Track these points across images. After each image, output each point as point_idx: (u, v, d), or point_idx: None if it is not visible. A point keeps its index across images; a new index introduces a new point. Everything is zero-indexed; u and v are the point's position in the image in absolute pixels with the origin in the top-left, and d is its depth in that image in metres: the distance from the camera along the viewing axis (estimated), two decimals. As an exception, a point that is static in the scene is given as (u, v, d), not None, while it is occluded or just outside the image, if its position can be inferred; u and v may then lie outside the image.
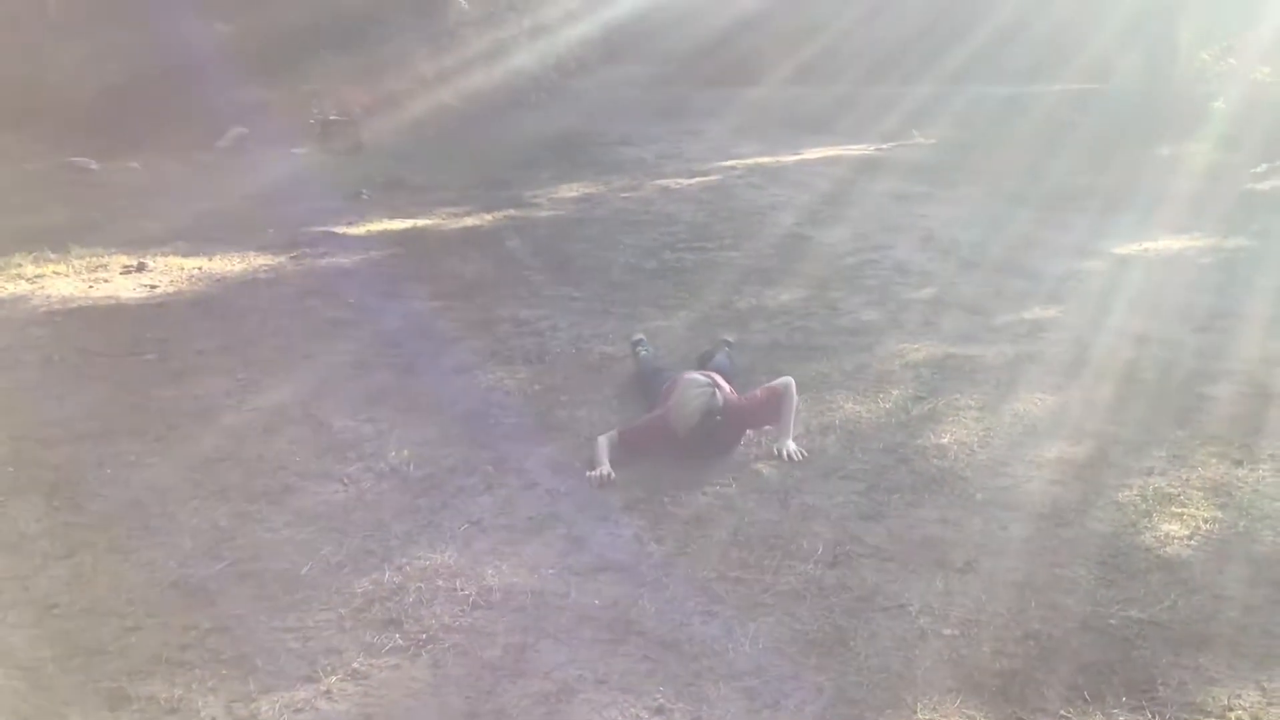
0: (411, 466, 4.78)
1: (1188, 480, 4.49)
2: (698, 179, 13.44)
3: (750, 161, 15.00)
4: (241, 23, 18.74)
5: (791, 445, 4.86)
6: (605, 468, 4.73)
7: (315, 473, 4.75)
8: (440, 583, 3.77)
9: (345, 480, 4.66)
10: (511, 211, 11.36)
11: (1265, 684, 3.13)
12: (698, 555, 3.97)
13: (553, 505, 4.42)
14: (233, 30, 18.18)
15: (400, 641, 3.41)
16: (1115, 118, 15.91)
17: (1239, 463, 4.65)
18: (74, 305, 7.60)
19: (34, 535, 4.18)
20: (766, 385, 5.17)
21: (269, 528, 4.24)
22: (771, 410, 5.03)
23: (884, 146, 16.06)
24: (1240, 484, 4.45)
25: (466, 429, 5.26)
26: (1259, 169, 12.07)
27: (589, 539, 4.12)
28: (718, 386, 4.95)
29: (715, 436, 4.87)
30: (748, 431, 5.07)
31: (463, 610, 3.60)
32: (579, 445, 5.01)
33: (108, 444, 5.09)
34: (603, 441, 4.89)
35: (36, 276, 8.28)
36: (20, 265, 8.50)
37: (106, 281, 8.29)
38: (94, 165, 14.41)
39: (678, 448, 4.86)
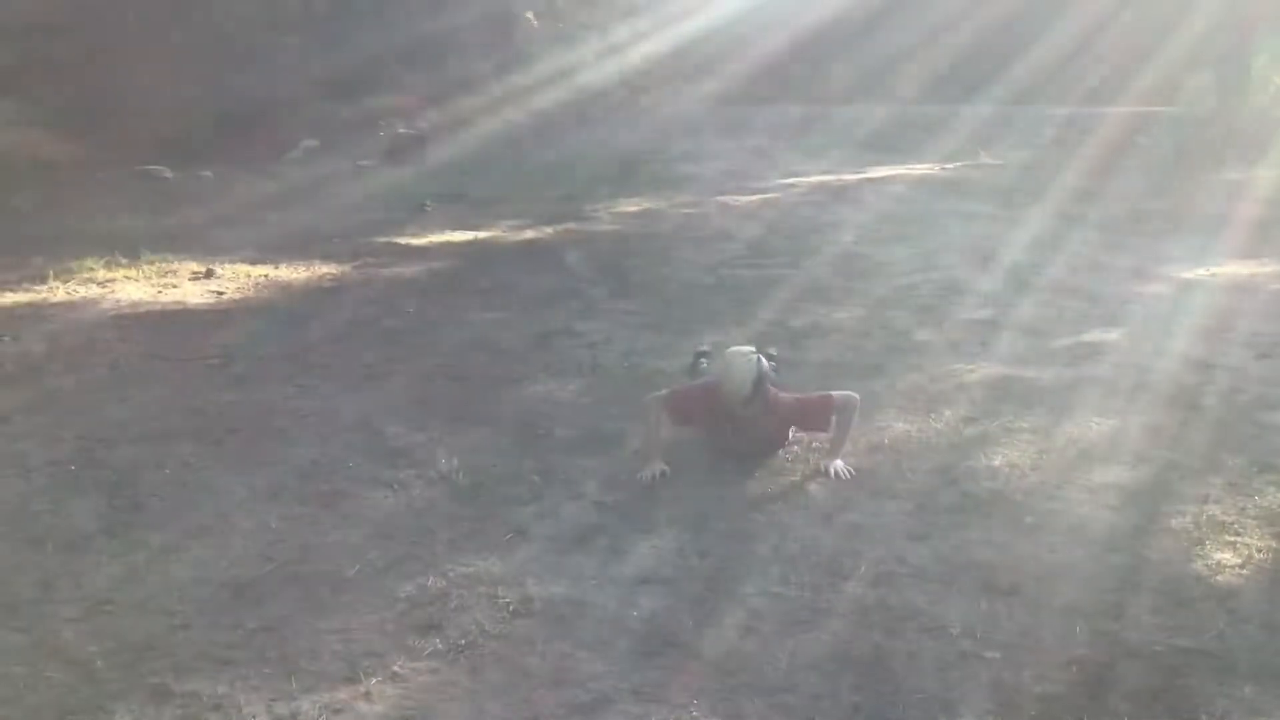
0: (460, 475, 4.83)
1: (1244, 509, 4.39)
2: (758, 196, 13.45)
3: (812, 179, 14.97)
4: (315, 37, 19.11)
5: (839, 464, 4.84)
6: (658, 465, 4.77)
7: (366, 478, 4.82)
8: (482, 590, 3.80)
9: (395, 486, 4.73)
10: (571, 226, 11.45)
11: (1314, 718, 3.06)
12: (739, 570, 3.96)
13: (598, 516, 4.44)
14: (304, 45, 18.53)
15: (440, 646, 3.45)
16: (1183, 140, 15.67)
17: (1297, 492, 4.54)
18: (142, 309, 7.80)
19: (91, 533, 4.30)
20: (824, 392, 5.15)
21: (318, 531, 4.31)
22: (823, 417, 4.99)
23: (948, 166, 15.94)
24: (1298, 514, 4.35)
25: (516, 439, 5.31)
26: (1333, 194, 11.81)
27: (632, 551, 4.13)
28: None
29: (760, 424, 4.88)
30: (796, 434, 5.08)
31: (503, 618, 3.63)
32: (627, 458, 5.03)
33: (168, 446, 5.21)
34: (653, 412, 4.95)
35: (107, 280, 8.52)
36: (92, 269, 8.75)
37: (175, 287, 8.50)
38: (168, 174, 14.80)
39: (724, 425, 4.89)
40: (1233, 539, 4.13)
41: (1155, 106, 18.16)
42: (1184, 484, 4.67)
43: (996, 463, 4.93)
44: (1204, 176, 13.56)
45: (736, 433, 4.93)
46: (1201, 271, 8.90)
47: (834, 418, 4.98)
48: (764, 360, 4.97)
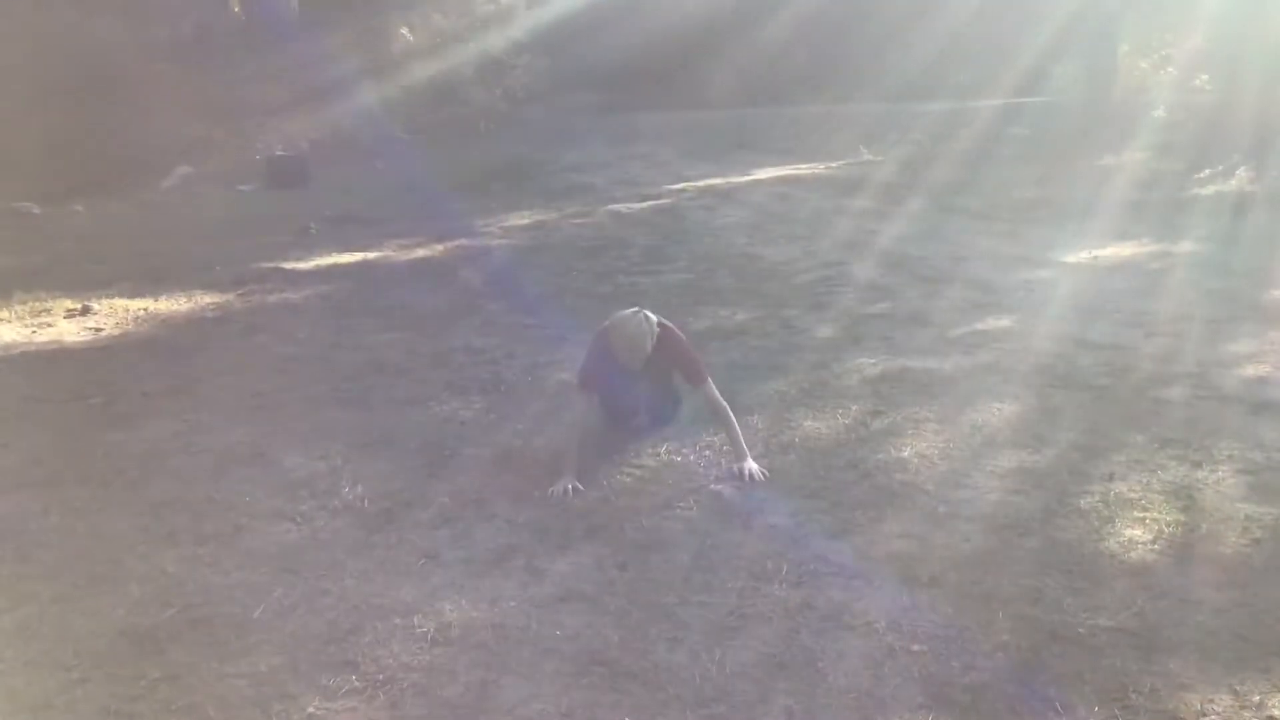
0: (366, 502, 4.67)
1: (1148, 484, 4.48)
2: (649, 203, 13.45)
3: (701, 184, 15.04)
4: (185, 63, 18.59)
5: (752, 465, 4.82)
6: (569, 480, 4.72)
7: (266, 513, 4.63)
8: (397, 620, 3.67)
9: (298, 519, 4.55)
10: (463, 241, 11.30)
11: (1238, 687, 3.10)
12: (661, 580, 3.89)
13: (512, 536, 4.33)
14: (176, 71, 18.01)
15: (357, 683, 3.30)
16: (1057, 129, 16.12)
17: (1198, 465, 4.65)
18: (16, 351, 7.43)
19: (-25, 589, 4.04)
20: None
21: (219, 571, 4.12)
22: (697, 372, 5.13)
23: (831, 165, 16.17)
24: (1201, 486, 4.45)
25: (422, 462, 5.16)
26: (1202, 174, 12.26)
27: (549, 569, 4.03)
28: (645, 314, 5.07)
29: (661, 355, 5.09)
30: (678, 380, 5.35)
31: (421, 648, 3.50)
32: (537, 474, 4.92)
33: (53, 491, 4.94)
34: (580, 403, 5.21)
35: (-23, 323, 8.10)
36: (-40, 313, 8.32)
37: (50, 326, 8.13)
38: (36, 210, 14.22)
39: (625, 377, 5.12)
40: (1141, 515, 4.20)
41: (1027, 98, 18.67)
42: (1088, 464, 4.75)
43: (906, 454, 4.96)
44: (1078, 163, 13.97)
45: (639, 378, 5.15)
46: (1084, 255, 9.14)
47: (722, 420, 5.02)
48: (648, 314, 5.07)
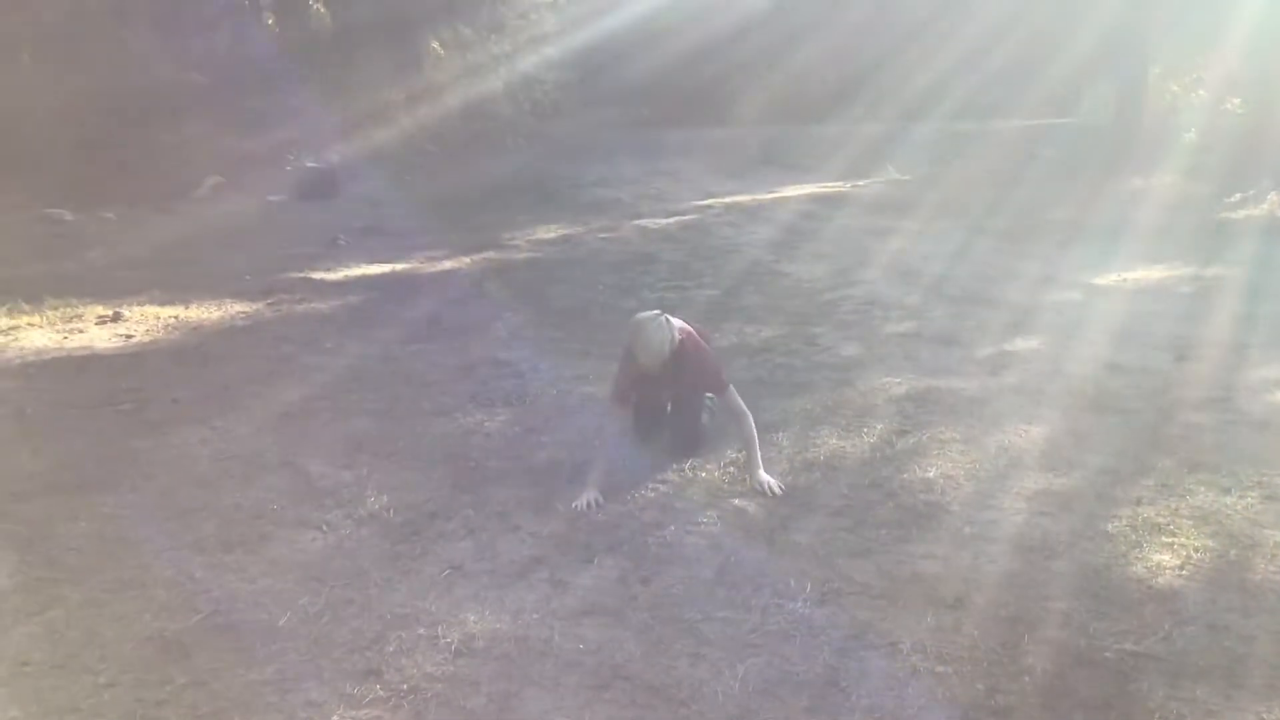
0: (391, 512, 4.70)
1: (1176, 510, 4.44)
2: (675, 218, 13.47)
3: (727, 200, 15.06)
4: (218, 74, 18.76)
5: (765, 477, 4.83)
6: (593, 493, 4.74)
7: (293, 521, 4.66)
8: (421, 631, 3.68)
9: (323, 528, 4.57)
10: (490, 254, 11.35)
11: (1265, 715, 3.08)
12: (684, 596, 3.89)
13: (535, 549, 4.34)
14: (209, 81, 18.17)
15: (381, 692, 3.32)
16: (1085, 150, 16.06)
17: (1227, 490, 4.61)
18: (48, 357, 7.50)
19: (6, 591, 4.07)
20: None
21: (246, 578, 4.14)
22: (718, 382, 5.13)
23: (859, 183, 16.15)
24: (1229, 512, 4.41)
25: (447, 473, 5.18)
26: (1233, 198, 12.19)
27: (573, 582, 4.04)
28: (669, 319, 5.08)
29: (681, 370, 5.05)
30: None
31: (445, 658, 3.51)
32: (562, 488, 4.93)
33: (82, 497, 4.98)
34: (614, 417, 5.24)
35: (10, 329, 8.19)
36: (-7, 317, 8.41)
37: (81, 332, 8.20)
38: (69, 216, 14.35)
39: (653, 386, 5.14)
40: (1169, 540, 4.17)
41: (1055, 119, 18.61)
42: (1116, 488, 4.72)
43: (931, 474, 4.94)
44: (1106, 185, 13.90)
45: (665, 385, 5.18)
46: (1113, 277, 9.09)
47: (741, 428, 5.05)
48: (670, 319, 5.06)
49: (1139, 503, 4.52)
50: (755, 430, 5.02)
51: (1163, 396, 5.92)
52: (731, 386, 5.14)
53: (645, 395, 5.29)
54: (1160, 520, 4.35)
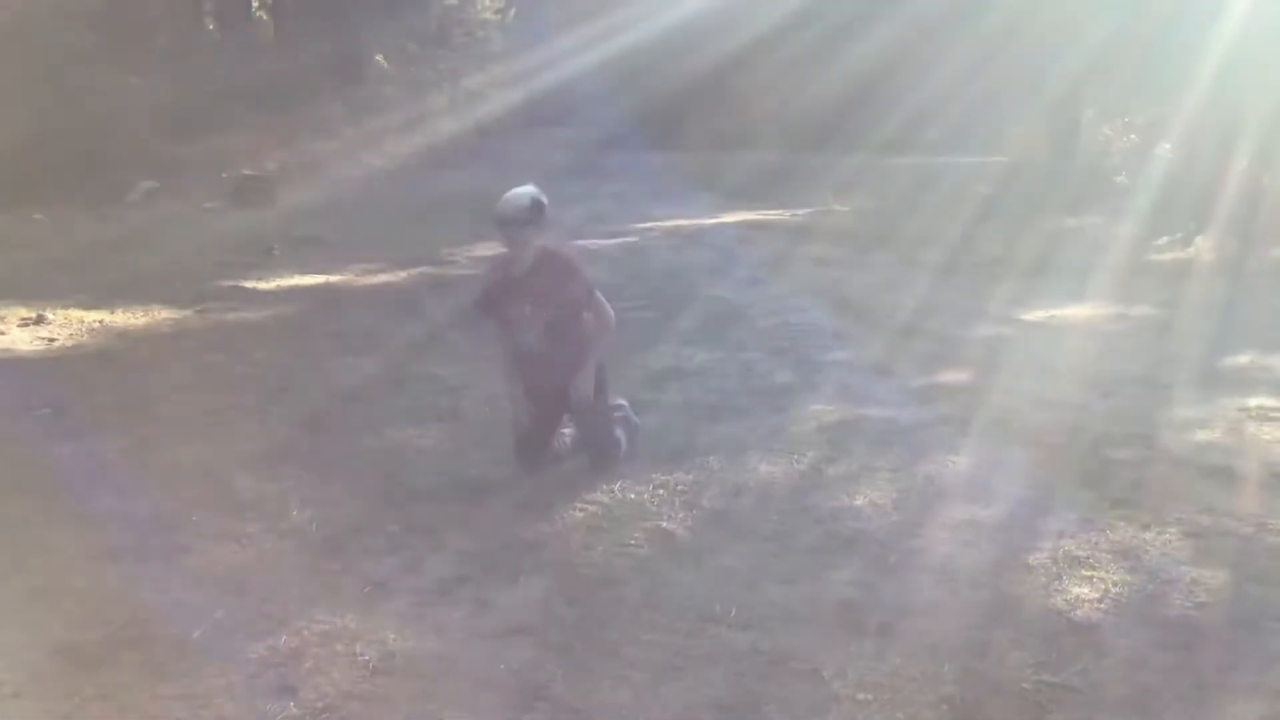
0: (314, 526, 4.62)
1: (1097, 544, 4.51)
2: (616, 240, 13.48)
3: (668, 224, 15.10)
4: (156, 78, 18.46)
5: (582, 389, 5.13)
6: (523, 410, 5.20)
7: (212, 533, 4.56)
8: (340, 647, 3.61)
9: (243, 540, 4.48)
10: (427, 269, 11.27)
11: (1176, 748, 3.12)
12: (608, 618, 3.86)
13: (461, 567, 4.28)
14: (146, 85, 17.86)
15: (295, 710, 3.24)
16: (1020, 189, 16.34)
17: (1146, 526, 4.68)
18: (-35, 358, 7.31)
19: (-93, 598, 3.94)
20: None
21: (161, 590, 4.04)
22: (582, 290, 5.21)
23: (798, 212, 16.29)
24: (1148, 547, 4.49)
25: (374, 488, 5.11)
26: (1160, 241, 12.47)
27: (497, 601, 3.99)
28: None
29: (542, 278, 5.13)
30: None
31: (363, 676, 3.44)
32: (491, 505, 4.89)
33: (-5, 502, 4.85)
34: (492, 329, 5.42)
35: (-73, 329, 7.97)
36: (-90, 317, 8.17)
37: (2, 334, 8.02)
38: (-5, 216, 13.98)
39: (517, 297, 5.16)
40: (1089, 573, 4.22)
41: (993, 157, 18.95)
42: (1039, 520, 4.78)
43: (859, 502, 4.97)
44: (1039, 224, 14.15)
45: (528, 304, 5.15)
46: (1042, 314, 9.25)
47: (590, 320, 5.20)
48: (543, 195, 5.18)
49: (1060, 536, 4.58)
50: (607, 339, 5.26)
51: (1087, 432, 6.02)
52: (599, 293, 5.23)
53: (513, 314, 5.23)
54: (1081, 554, 4.40)
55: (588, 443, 5.39)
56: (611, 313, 5.28)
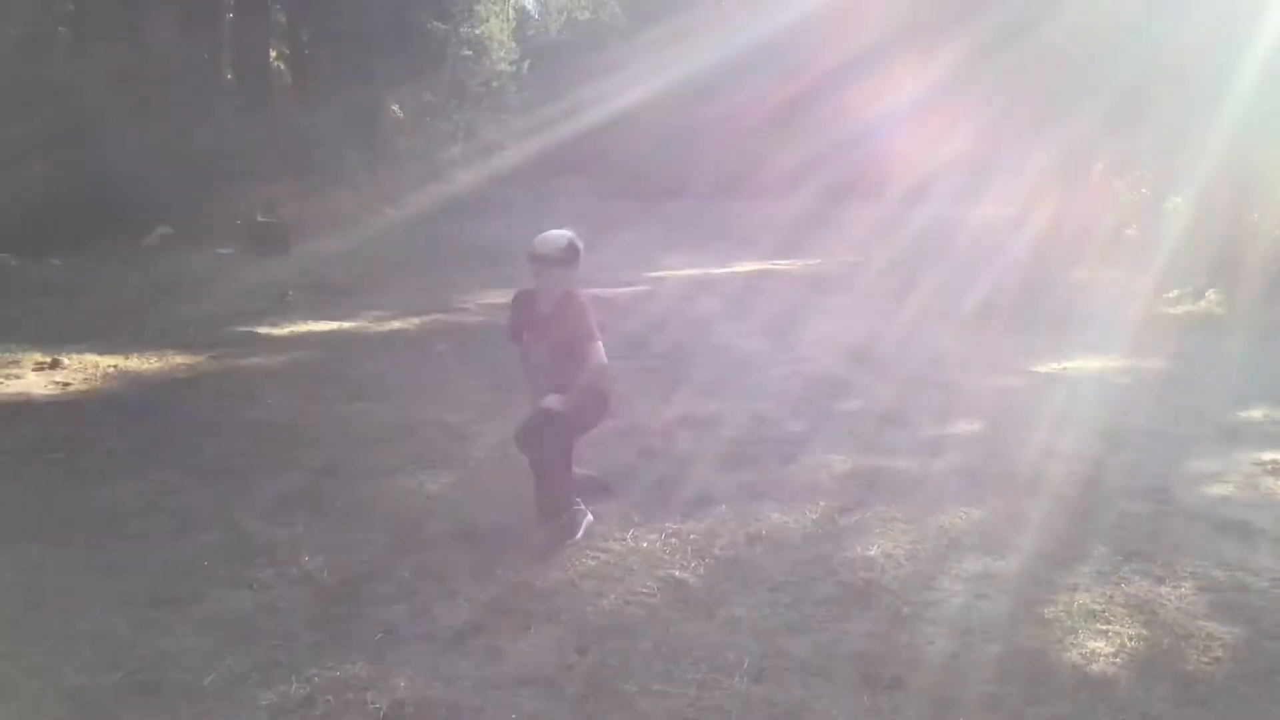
0: (325, 573, 4.61)
1: (1111, 597, 4.47)
2: (627, 288, 13.54)
3: (682, 274, 15.17)
4: (175, 127, 18.68)
5: (554, 401, 5.06)
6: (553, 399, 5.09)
7: (224, 579, 4.56)
8: (350, 695, 3.60)
9: (255, 586, 4.48)
10: (439, 316, 11.32)
11: (1195, 805, 3.08)
12: (620, 667, 3.84)
13: (473, 614, 4.27)
14: (165, 134, 18.08)
15: (305, 758, 3.23)
16: (1031, 241, 16.36)
17: (1161, 580, 4.65)
18: (-19, 401, 7.34)
19: (-78, 642, 3.94)
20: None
21: (172, 636, 4.04)
22: (587, 341, 5.20)
23: (811, 262, 16.35)
24: (1163, 601, 4.45)
25: (385, 534, 5.11)
26: (1171, 294, 12.47)
27: (509, 650, 3.98)
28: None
29: (560, 318, 5.22)
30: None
31: (373, 725, 3.43)
32: (502, 553, 4.88)
33: (8, 547, 4.86)
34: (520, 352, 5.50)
35: (-56, 372, 8.02)
36: (-72, 361, 8.23)
37: (18, 378, 8.06)
38: (13, 261, 14.15)
39: (535, 326, 5.31)
40: (1104, 627, 4.19)
41: (1005, 208, 18.99)
42: (1053, 573, 4.74)
43: (872, 553, 4.94)
44: (1050, 276, 14.17)
45: (542, 334, 5.29)
46: (1055, 366, 9.23)
47: (587, 361, 5.18)
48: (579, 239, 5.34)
49: (1075, 589, 4.55)
50: (595, 382, 5.24)
51: (1100, 484, 5.99)
52: (599, 343, 5.25)
53: (531, 341, 5.40)
54: (1096, 607, 4.37)
55: (544, 505, 5.25)
56: (604, 360, 5.29)
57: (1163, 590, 4.56)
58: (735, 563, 4.80)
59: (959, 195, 20.46)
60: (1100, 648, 4.03)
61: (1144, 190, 15.16)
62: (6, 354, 8.65)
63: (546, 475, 5.16)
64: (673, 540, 5.04)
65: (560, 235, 5.30)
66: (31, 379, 8.05)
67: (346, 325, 10.85)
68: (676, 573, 4.69)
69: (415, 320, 11.11)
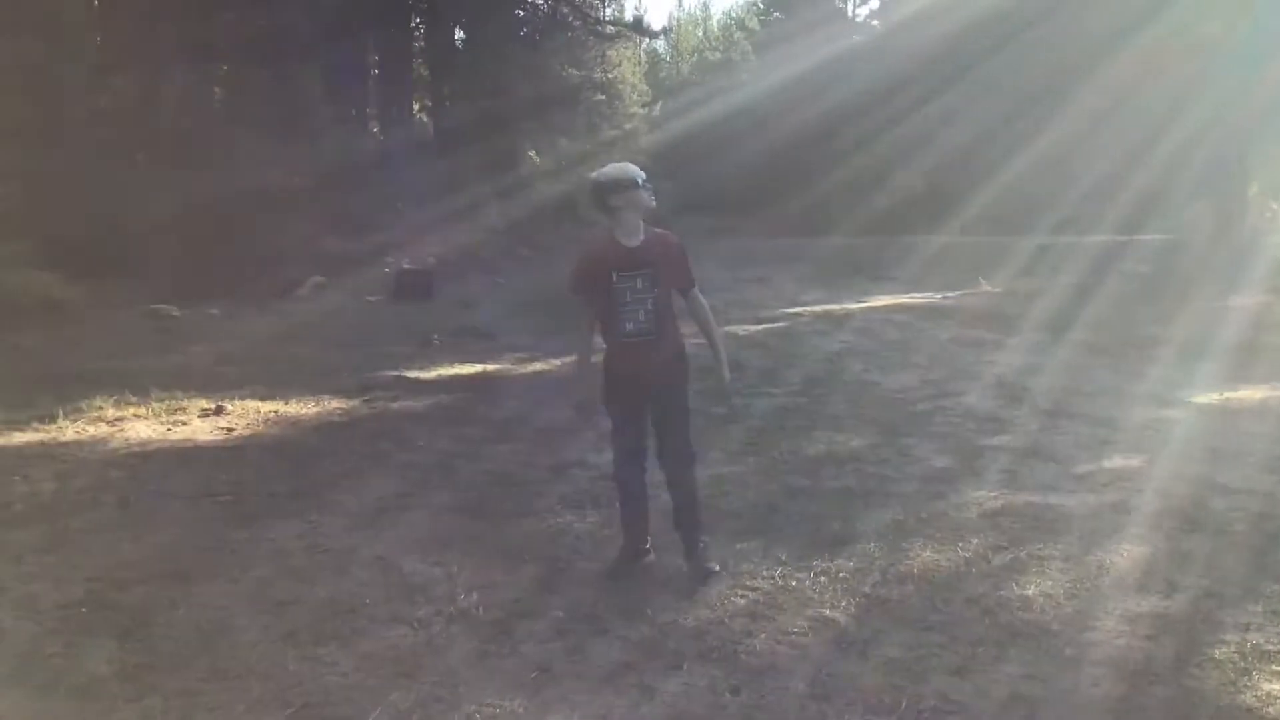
0: (481, 610, 4.72)
1: (1287, 637, 4.28)
2: (764, 325, 13.53)
3: (816, 309, 15.10)
4: (323, 178, 19.49)
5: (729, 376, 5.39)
6: (588, 399, 5.30)
7: (384, 616, 4.70)
8: (510, 732, 3.67)
9: (415, 624, 4.61)
10: (580, 357, 11.45)
11: None
12: (774, 707, 3.83)
13: (625, 653, 4.31)
14: (315, 184, 18.88)
15: (469, 793, 3.31)
16: (1180, 267, 15.84)
17: (1340, 619, 4.43)
18: (152, 447, 7.72)
19: (105, 677, 4.16)
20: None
21: (338, 672, 4.18)
22: (685, 274, 5.19)
23: (949, 294, 16.08)
24: (1345, 642, 4.24)
25: (537, 573, 5.20)
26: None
27: (661, 689, 4.00)
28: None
29: (651, 253, 5.03)
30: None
31: (533, 761, 3.49)
32: (652, 591, 4.92)
33: (181, 586, 5.08)
34: (581, 314, 5.29)
35: (117, 419, 8.46)
36: (102, 408, 8.69)
37: (185, 424, 8.44)
38: (175, 312, 14.89)
39: (622, 269, 4.99)
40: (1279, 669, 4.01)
41: (1153, 235, 18.42)
42: (1223, 612, 4.56)
43: (1030, 592, 4.82)
44: (1202, 303, 13.67)
45: (640, 277, 5.00)
46: (1214, 396, 8.88)
47: (701, 314, 5.30)
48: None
49: (1247, 629, 4.36)
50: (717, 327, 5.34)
51: (1268, 519, 5.73)
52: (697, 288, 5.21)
53: (621, 288, 5.02)
54: (1270, 648, 4.18)
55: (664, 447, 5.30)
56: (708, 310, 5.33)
57: (1343, 631, 4.33)
58: (886, 601, 4.74)
59: (1098, 222, 19.94)
60: (1276, 690, 3.86)
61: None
62: (173, 401, 9.08)
63: (696, 507, 5.23)
64: (822, 579, 5.00)
65: (626, 164, 5.18)
66: (197, 425, 8.44)
67: (490, 367, 11.09)
68: (827, 611, 4.66)
69: (556, 361, 11.26)
